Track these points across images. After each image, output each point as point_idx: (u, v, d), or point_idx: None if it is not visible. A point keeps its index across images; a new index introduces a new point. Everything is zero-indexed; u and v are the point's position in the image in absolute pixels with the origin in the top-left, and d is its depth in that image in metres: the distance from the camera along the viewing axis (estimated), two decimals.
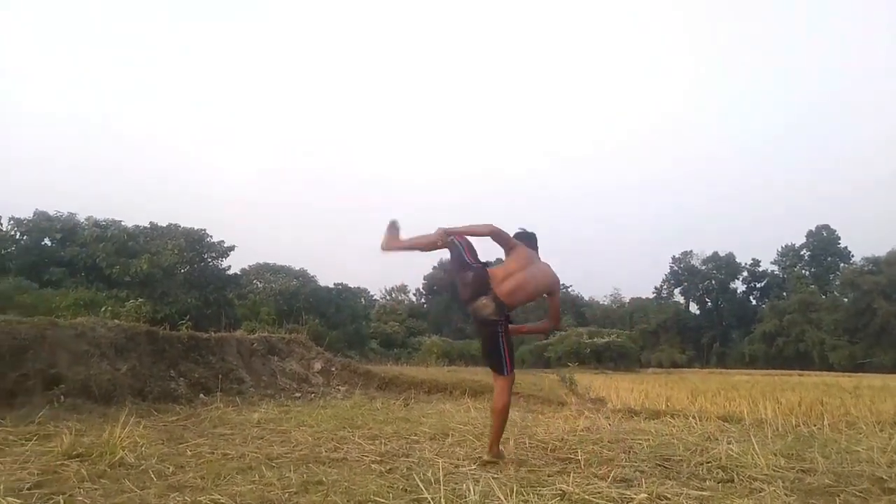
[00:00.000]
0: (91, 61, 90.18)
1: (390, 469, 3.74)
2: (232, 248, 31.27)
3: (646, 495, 3.07)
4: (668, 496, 3.12)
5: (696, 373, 32.69)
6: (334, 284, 41.45)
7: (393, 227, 4.35)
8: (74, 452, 3.75)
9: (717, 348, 62.15)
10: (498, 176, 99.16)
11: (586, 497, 3.04)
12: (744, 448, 4.34)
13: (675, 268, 70.07)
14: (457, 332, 49.27)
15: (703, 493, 3.23)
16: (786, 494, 3.24)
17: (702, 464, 4.03)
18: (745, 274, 68.26)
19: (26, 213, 27.75)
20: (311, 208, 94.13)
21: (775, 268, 67.32)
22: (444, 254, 4.31)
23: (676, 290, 70.44)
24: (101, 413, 5.68)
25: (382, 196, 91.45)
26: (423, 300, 63.87)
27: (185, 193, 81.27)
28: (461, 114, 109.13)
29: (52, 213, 28.08)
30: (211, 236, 30.65)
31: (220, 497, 2.93)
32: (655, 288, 71.51)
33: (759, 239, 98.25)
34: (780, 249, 66.84)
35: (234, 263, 34.64)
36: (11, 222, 27.17)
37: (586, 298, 70.31)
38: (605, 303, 71.30)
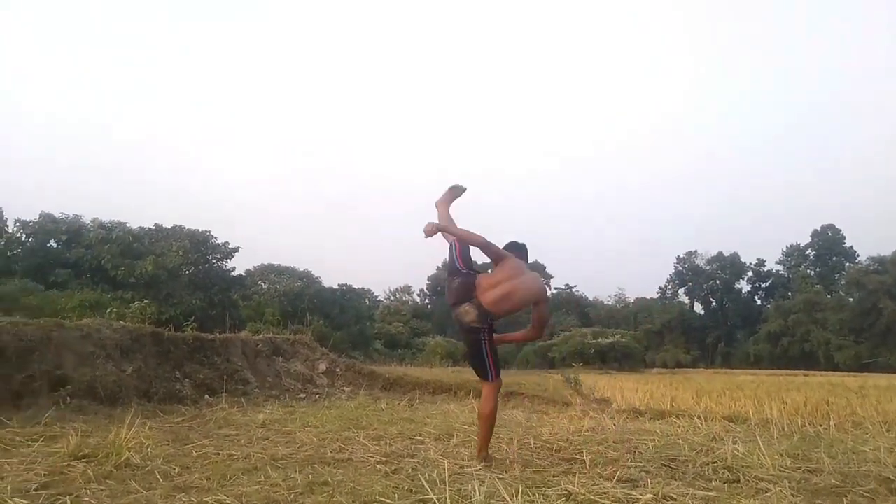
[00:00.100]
0: (91, 61, 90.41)
1: (395, 470, 3.74)
2: (236, 250, 31.42)
3: (651, 496, 3.07)
4: (674, 497, 3.12)
5: (701, 373, 32.58)
6: (338, 285, 41.56)
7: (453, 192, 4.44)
8: (80, 453, 3.77)
9: (721, 348, 61.94)
10: (498, 176, 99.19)
11: (592, 497, 3.04)
12: (749, 448, 4.33)
13: (680, 268, 69.88)
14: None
15: (709, 493, 3.22)
16: (792, 495, 3.23)
17: (707, 464, 4.02)
18: (750, 274, 68.05)
19: (32, 215, 27.93)
20: (313, 208, 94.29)
21: (780, 267, 67.11)
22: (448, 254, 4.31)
23: (681, 290, 70.26)
24: (106, 414, 5.71)
25: (383, 195, 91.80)
26: (427, 301, 63.86)
27: (189, 195, 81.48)
28: (461, 114, 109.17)
29: (57, 214, 28.24)
30: (216, 238, 30.79)
31: (225, 498, 2.94)
32: (660, 288, 71.38)
33: (763, 239, 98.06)
34: (784, 249, 66.63)
35: (239, 265, 34.81)
36: (17, 224, 27.31)
37: (590, 298, 70.22)
38: (610, 303, 71.20)
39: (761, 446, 4.21)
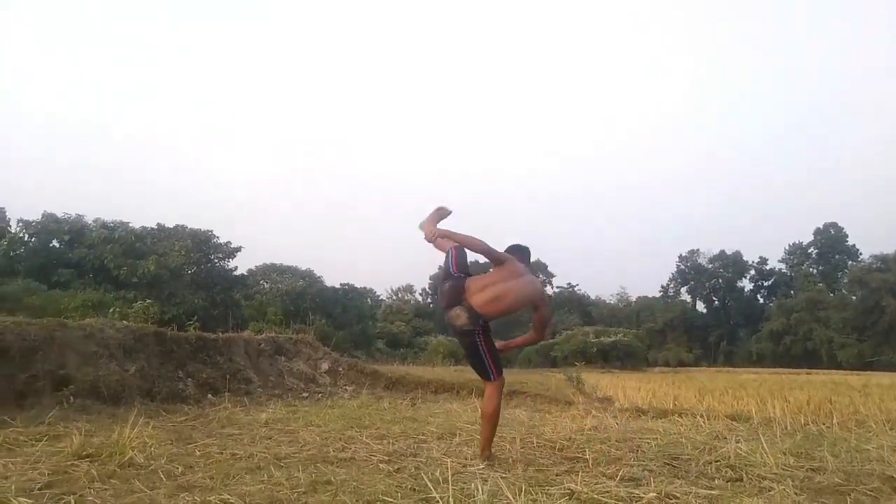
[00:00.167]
0: (91, 61, 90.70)
1: (398, 469, 3.74)
2: (238, 249, 31.44)
3: (654, 494, 3.07)
4: (677, 495, 3.11)
5: (704, 371, 32.56)
6: (340, 284, 41.59)
7: (439, 213, 4.42)
8: (84, 453, 3.77)
9: (724, 347, 61.91)
10: (498, 176, 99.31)
11: (595, 496, 3.04)
12: (752, 447, 4.32)
13: (682, 266, 69.83)
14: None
15: (712, 491, 3.22)
16: (795, 493, 3.23)
17: (710, 463, 4.02)
18: (753, 272, 68.01)
19: (35, 216, 27.96)
20: (314, 208, 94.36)
21: (783, 266, 67.04)
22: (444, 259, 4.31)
23: (683, 289, 70.23)
24: (110, 414, 5.72)
25: (383, 196, 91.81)
26: (429, 300, 63.85)
27: (189, 195, 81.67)
28: (461, 114, 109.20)
29: (59, 214, 28.28)
30: (218, 237, 30.81)
31: (229, 497, 2.94)
32: (662, 287, 71.38)
33: (766, 237, 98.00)
34: (787, 247, 66.58)
35: (241, 264, 34.82)
36: (20, 224, 27.35)
37: (593, 297, 70.22)
38: (612, 302, 71.17)
39: (764, 445, 4.21)
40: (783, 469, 3.79)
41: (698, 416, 6.60)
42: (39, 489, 3.03)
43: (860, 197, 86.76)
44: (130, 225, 29.40)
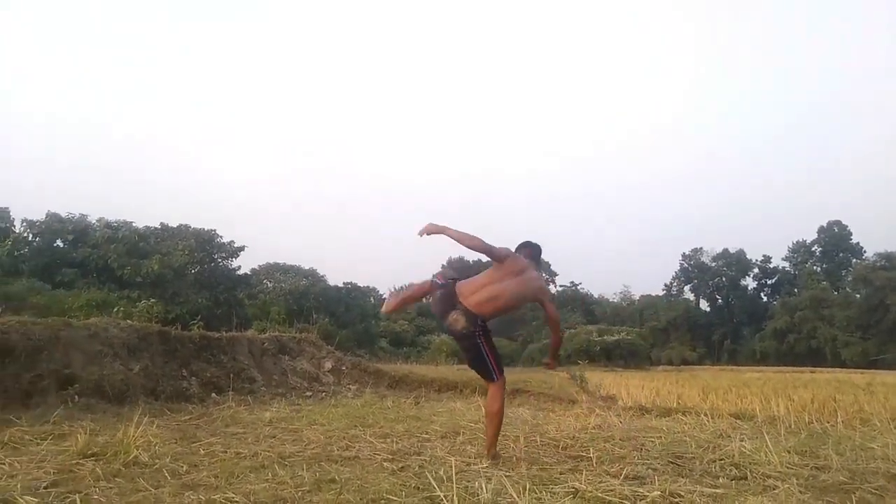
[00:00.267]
0: (91, 62, 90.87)
1: (402, 467, 3.75)
2: (242, 249, 31.45)
3: (659, 493, 3.07)
4: (682, 494, 3.11)
5: (707, 370, 32.50)
6: (343, 283, 41.61)
7: (395, 295, 4.45)
8: (89, 452, 3.78)
9: (728, 345, 61.75)
10: (499, 176, 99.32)
11: (599, 495, 3.04)
12: (757, 445, 4.32)
13: (685, 265, 69.66)
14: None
15: (717, 490, 3.21)
16: (800, 492, 3.22)
17: (714, 461, 4.02)
18: (756, 270, 67.78)
19: (38, 215, 28.04)
20: (316, 208, 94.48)
21: (786, 264, 66.83)
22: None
23: (686, 287, 70.04)
24: (114, 413, 5.73)
25: (383, 196, 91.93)
26: (431, 299, 63.81)
27: (189, 195, 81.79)
28: (463, 114, 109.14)
29: (63, 214, 28.34)
30: (221, 237, 30.84)
31: (233, 495, 2.95)
32: (665, 285, 71.20)
33: (769, 235, 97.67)
34: (791, 246, 66.35)
35: (244, 263, 34.87)
36: (24, 224, 27.43)
37: (596, 296, 70.08)
38: (615, 300, 71.04)
39: (768, 443, 4.20)
40: (788, 467, 3.79)
41: (702, 415, 6.59)
42: (45, 488, 3.04)
43: (864, 195, 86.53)
44: (134, 224, 29.48)
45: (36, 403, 5.55)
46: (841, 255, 63.18)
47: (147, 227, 30.38)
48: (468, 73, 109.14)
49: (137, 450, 3.79)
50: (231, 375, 8.12)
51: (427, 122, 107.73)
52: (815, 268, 63.41)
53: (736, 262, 66.65)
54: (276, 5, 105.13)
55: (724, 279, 67.13)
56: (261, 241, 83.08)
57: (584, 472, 3.49)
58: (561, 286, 66.87)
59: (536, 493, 3.05)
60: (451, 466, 3.36)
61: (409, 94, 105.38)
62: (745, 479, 3.56)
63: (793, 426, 5.97)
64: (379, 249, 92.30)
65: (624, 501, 2.96)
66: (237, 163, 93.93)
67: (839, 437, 5.19)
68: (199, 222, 31.63)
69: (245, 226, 77.40)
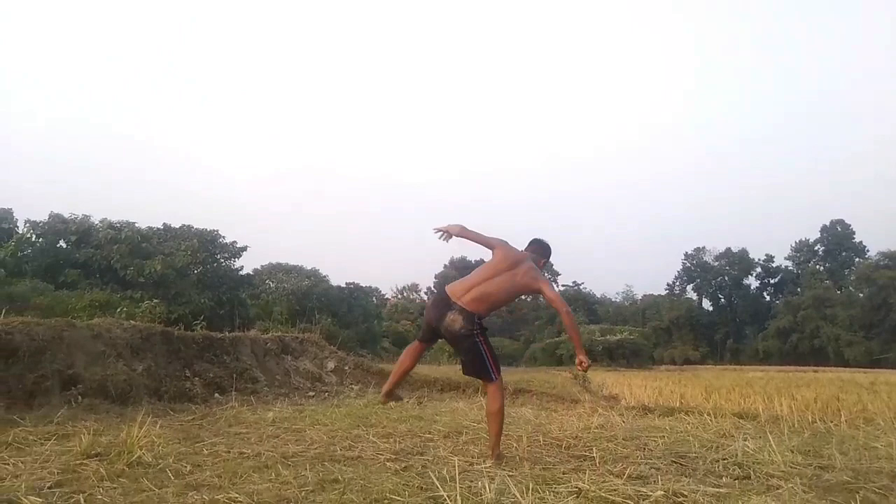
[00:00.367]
0: (92, 62, 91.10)
1: (405, 467, 3.75)
2: (244, 249, 31.42)
3: (662, 492, 3.06)
4: (685, 493, 3.10)
5: (710, 369, 32.48)
6: (346, 283, 41.55)
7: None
8: (93, 452, 3.79)
9: (730, 345, 61.69)
10: (500, 176, 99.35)
11: (602, 494, 3.03)
12: (760, 445, 4.31)
13: (688, 264, 69.61)
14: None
15: (720, 490, 3.21)
16: (804, 491, 3.22)
17: (718, 461, 4.01)
18: (759, 270, 67.70)
19: (41, 216, 28.05)
20: (317, 208, 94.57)
21: (789, 263, 66.75)
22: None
23: (689, 287, 70.04)
24: (118, 413, 5.75)
25: (384, 195, 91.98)
26: None
27: (195, 195, 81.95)
28: (464, 114, 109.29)
29: (66, 215, 28.35)
30: (223, 237, 30.83)
31: (237, 495, 2.95)
32: (668, 284, 71.18)
33: (772, 235, 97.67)
34: (793, 245, 66.28)
35: (247, 264, 34.86)
36: (27, 225, 27.46)
37: (598, 295, 70.11)
38: (618, 300, 71.08)
39: (772, 443, 4.19)
40: (791, 467, 3.78)
41: (705, 414, 6.58)
42: (49, 488, 3.05)
43: (867, 194, 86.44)
44: (137, 225, 29.46)
45: (39, 404, 5.57)
46: (844, 254, 63.06)
47: (150, 228, 30.37)
48: (469, 73, 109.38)
49: (141, 450, 3.79)
50: (234, 375, 8.12)
51: (428, 122, 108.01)
52: (817, 267, 63.32)
53: (739, 262, 66.56)
54: (277, 5, 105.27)
55: (726, 278, 67.05)
56: (263, 242, 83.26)
57: (587, 472, 3.49)
58: (563, 286, 66.83)
59: (540, 493, 3.05)
60: (454, 466, 3.36)
61: (410, 95, 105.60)
62: (749, 478, 3.55)
63: (796, 425, 5.97)
64: (383, 249, 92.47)
65: (627, 501, 2.96)
66: (239, 163, 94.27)
67: (843, 437, 5.18)
68: (201, 223, 31.66)
69: (247, 226, 77.59)
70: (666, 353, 54.08)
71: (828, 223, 64.01)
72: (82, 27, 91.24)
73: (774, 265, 67.27)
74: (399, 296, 62.54)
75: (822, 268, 63.26)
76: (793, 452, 4.21)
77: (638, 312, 64.25)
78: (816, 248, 64.79)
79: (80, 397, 5.91)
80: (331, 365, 10.40)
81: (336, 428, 5.42)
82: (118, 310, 17.83)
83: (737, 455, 4.10)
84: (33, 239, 27.22)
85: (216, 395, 7.53)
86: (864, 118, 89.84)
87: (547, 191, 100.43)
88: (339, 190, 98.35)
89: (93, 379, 6.20)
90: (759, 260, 67.24)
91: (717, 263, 67.91)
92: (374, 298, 50.99)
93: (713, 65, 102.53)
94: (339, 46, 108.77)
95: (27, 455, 3.80)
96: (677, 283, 70.65)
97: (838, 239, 63.13)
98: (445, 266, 59.80)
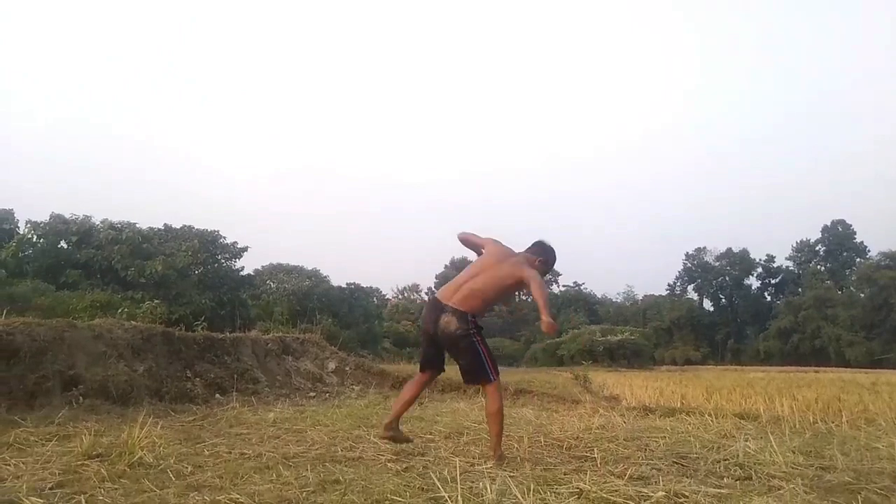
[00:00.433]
0: (92, 63, 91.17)
1: (406, 468, 3.75)
2: (245, 249, 31.45)
3: (663, 493, 3.06)
4: (686, 494, 3.10)
5: (711, 370, 32.46)
6: (346, 284, 41.56)
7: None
8: (94, 452, 3.79)
9: (731, 345, 61.66)
10: (501, 176, 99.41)
11: (603, 495, 3.03)
12: (761, 445, 4.31)
13: (689, 264, 69.60)
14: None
15: (721, 490, 3.21)
16: (805, 492, 3.21)
17: (719, 461, 4.01)
18: (760, 270, 67.68)
19: (42, 216, 28.07)
20: (320, 208, 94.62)
21: (790, 263, 66.72)
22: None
23: (690, 287, 70.03)
24: (119, 413, 5.75)
25: (385, 196, 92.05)
26: None
27: (188, 195, 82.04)
28: (465, 114, 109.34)
29: (67, 216, 28.37)
30: (224, 237, 30.86)
31: (238, 496, 2.95)
32: (669, 285, 71.18)
33: (773, 235, 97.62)
34: (794, 245, 66.24)
35: (248, 264, 34.90)
36: (28, 226, 27.48)
37: (599, 296, 70.16)
38: (618, 300, 71.09)
39: (773, 443, 4.19)
40: (792, 468, 3.77)
41: (706, 415, 6.57)
42: (50, 489, 3.05)
43: (868, 194, 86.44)
44: (137, 226, 29.48)
45: (41, 405, 5.57)
46: (845, 254, 63.02)
47: (151, 229, 30.40)
48: (470, 73, 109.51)
49: (142, 451, 3.79)
50: (235, 376, 8.13)
51: (429, 122, 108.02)
52: (818, 267, 63.28)
53: (739, 262, 66.55)
54: (277, 5, 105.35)
55: (727, 279, 67.04)
56: (264, 242, 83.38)
57: (588, 473, 3.48)
58: (564, 286, 66.94)
59: (541, 494, 3.04)
60: (455, 467, 3.36)
61: (411, 95, 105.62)
62: (750, 479, 3.54)
63: (797, 426, 5.96)
64: (384, 249, 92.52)
65: (628, 502, 2.96)
66: (239, 163, 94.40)
67: (844, 437, 5.17)
68: (202, 223, 31.71)
69: (248, 226, 77.65)
70: (667, 354, 54.05)
71: (829, 223, 64.05)
72: (82, 27, 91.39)
73: (775, 265, 67.27)
74: (400, 296, 62.59)
75: (823, 268, 63.23)
76: (794, 453, 4.20)
77: (639, 313, 64.22)
78: (817, 248, 64.76)
79: (81, 398, 5.91)
80: (332, 365, 10.40)
81: (337, 429, 5.42)
82: (119, 310, 17.83)
83: (738, 456, 4.09)
84: (34, 239, 27.22)
85: (217, 395, 7.53)
86: (864, 118, 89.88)
87: (547, 191, 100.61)
88: (340, 190, 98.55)
89: (94, 379, 6.21)
90: (760, 260, 67.28)
91: (717, 264, 67.89)
92: (374, 299, 51.02)
93: (713, 65, 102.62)
94: (339, 46, 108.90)
95: (28, 456, 3.80)
96: (678, 284, 70.69)
97: (839, 239, 63.09)
98: (446, 266, 59.81)
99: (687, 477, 3.55)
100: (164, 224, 31.18)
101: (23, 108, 77.96)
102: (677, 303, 65.59)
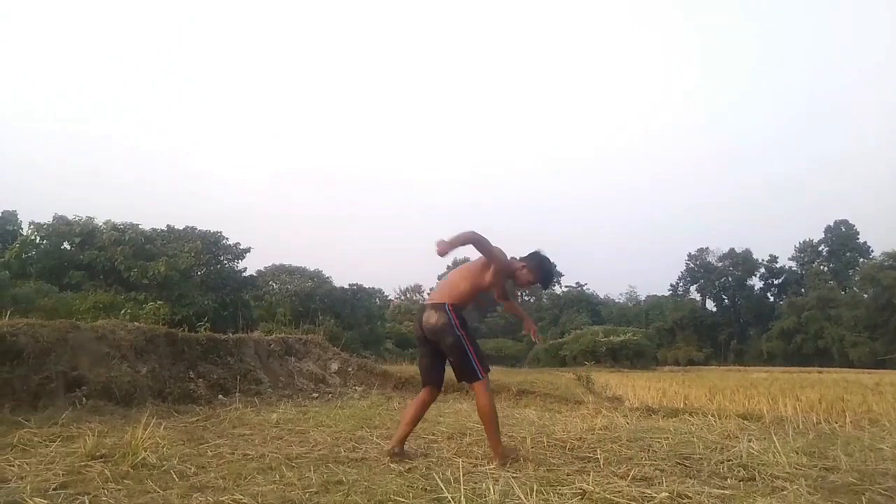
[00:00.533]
0: (91, 62, 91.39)
1: (409, 469, 3.75)
2: (248, 250, 31.49)
3: (667, 494, 3.05)
4: (689, 495, 3.10)
5: (714, 370, 32.40)
6: (349, 285, 41.57)
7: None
8: (98, 453, 3.80)
9: (734, 345, 61.53)
10: (502, 177, 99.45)
11: (607, 496, 3.03)
12: (765, 446, 4.30)
13: (691, 265, 69.48)
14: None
15: (725, 491, 3.20)
16: (809, 493, 3.20)
17: (722, 462, 4.00)
18: (763, 270, 67.55)
19: (46, 218, 28.13)
20: (322, 209, 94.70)
21: (793, 264, 66.55)
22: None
23: (693, 288, 69.89)
24: (122, 414, 5.76)
25: (388, 197, 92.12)
26: None
27: (188, 196, 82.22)
28: (466, 116, 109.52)
29: (70, 217, 28.43)
30: (227, 238, 30.90)
31: (241, 497, 2.96)
32: (671, 285, 71.08)
33: (776, 235, 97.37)
34: (797, 245, 66.11)
35: (250, 265, 34.94)
36: (32, 227, 27.53)
37: (601, 297, 70.05)
38: (621, 301, 71.05)
39: (776, 444, 4.18)
40: (796, 468, 3.77)
41: (709, 416, 6.56)
42: (54, 489, 3.06)
43: (871, 194, 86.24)
44: (140, 227, 29.52)
45: (44, 405, 5.58)
46: (848, 254, 62.85)
47: (153, 230, 30.45)
48: (471, 75, 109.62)
49: (145, 451, 3.79)
50: (238, 377, 8.14)
51: (431, 123, 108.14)
52: (821, 267, 63.13)
53: (742, 262, 66.42)
54: (277, 5, 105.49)
55: (730, 279, 66.91)
56: (266, 243, 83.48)
57: (591, 474, 3.48)
58: (566, 287, 66.85)
59: (544, 495, 3.04)
60: (458, 468, 3.37)
61: (414, 97, 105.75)
62: (754, 480, 3.54)
63: (801, 427, 5.94)
64: (386, 251, 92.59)
65: (632, 503, 2.95)
66: (241, 164, 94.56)
67: (848, 438, 5.16)
68: (205, 224, 31.75)
69: (250, 227, 77.77)
70: (669, 354, 53.96)
71: (832, 223, 63.90)
72: (82, 27, 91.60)
73: (778, 266, 67.11)
74: (402, 297, 62.59)
75: (826, 268, 63.07)
76: (797, 454, 4.19)
77: (641, 313, 64.15)
78: (820, 248, 64.61)
79: (84, 399, 5.92)
80: (334, 366, 10.41)
81: (340, 429, 5.42)
82: (122, 311, 17.86)
83: (741, 456, 4.09)
84: (37, 241, 27.27)
85: (220, 396, 7.54)
86: (868, 118, 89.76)
87: (547, 191, 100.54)
88: (342, 191, 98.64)
89: (97, 380, 6.22)
90: (762, 260, 67.15)
91: (720, 264, 67.77)
92: (377, 300, 51.07)
93: (713, 65, 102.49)
94: (342, 48, 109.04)
95: (32, 456, 3.81)
96: (681, 284, 70.55)
97: (842, 239, 62.93)
98: (448, 267, 59.70)
99: (690, 478, 3.54)
100: (167, 225, 31.25)
101: (21, 107, 78.17)
102: (680, 303, 65.48)
